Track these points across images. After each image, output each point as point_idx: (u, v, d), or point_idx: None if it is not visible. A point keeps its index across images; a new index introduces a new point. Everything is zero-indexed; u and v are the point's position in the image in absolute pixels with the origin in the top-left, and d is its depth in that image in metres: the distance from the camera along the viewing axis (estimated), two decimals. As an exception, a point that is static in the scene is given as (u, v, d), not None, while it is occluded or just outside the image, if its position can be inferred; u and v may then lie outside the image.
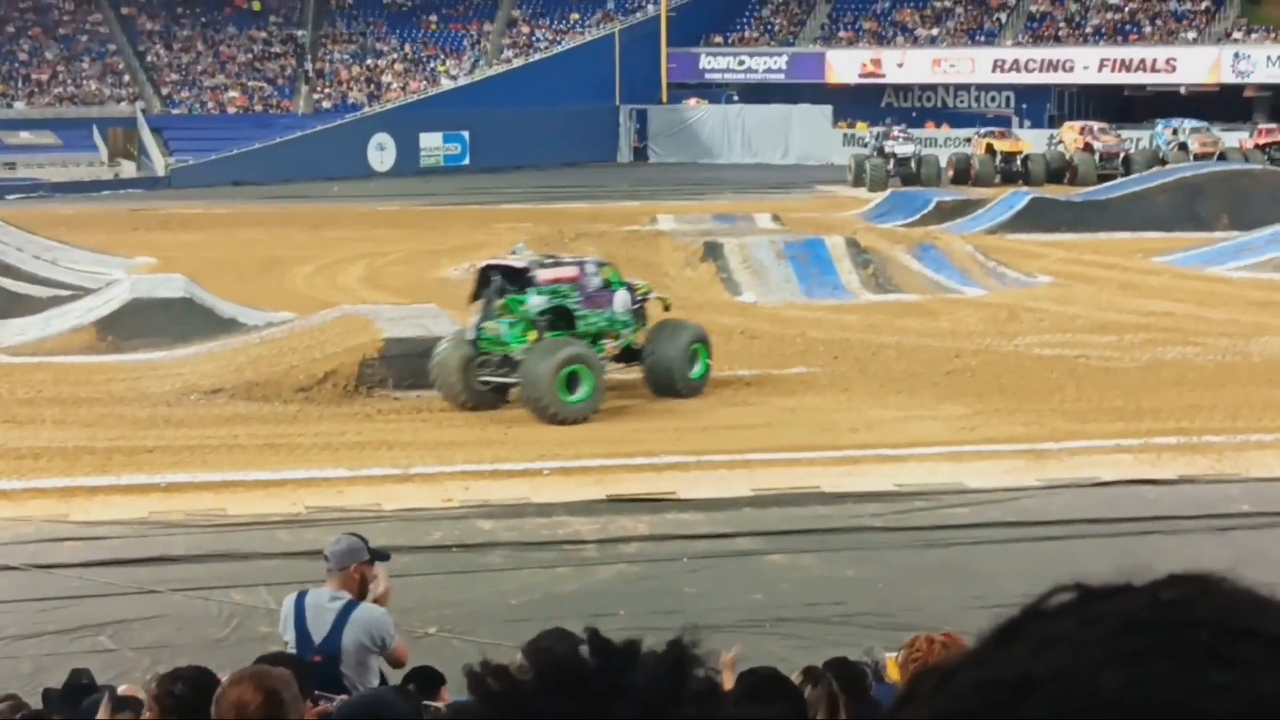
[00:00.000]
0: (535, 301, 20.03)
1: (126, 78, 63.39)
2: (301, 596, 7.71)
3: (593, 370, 19.49)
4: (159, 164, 57.65)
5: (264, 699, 4.38)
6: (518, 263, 21.01)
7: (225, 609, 13.01)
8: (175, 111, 62.45)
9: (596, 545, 14.74)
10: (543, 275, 20.33)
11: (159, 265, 32.24)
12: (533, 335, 19.79)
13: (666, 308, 21.65)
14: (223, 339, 23.46)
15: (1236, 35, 59.93)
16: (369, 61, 66.85)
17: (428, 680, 7.68)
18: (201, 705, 4.81)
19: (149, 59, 64.77)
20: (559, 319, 20.18)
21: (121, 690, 7.01)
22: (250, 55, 65.98)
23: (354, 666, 7.44)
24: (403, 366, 20.89)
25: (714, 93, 66.39)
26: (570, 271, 20.71)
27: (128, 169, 57.87)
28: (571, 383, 19.28)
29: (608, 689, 1.11)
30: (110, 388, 21.15)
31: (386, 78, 66.09)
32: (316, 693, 6.57)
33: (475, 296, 20.50)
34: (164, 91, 63.41)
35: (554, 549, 14.68)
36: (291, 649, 7.41)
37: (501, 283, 20.16)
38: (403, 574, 14.02)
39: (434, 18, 69.41)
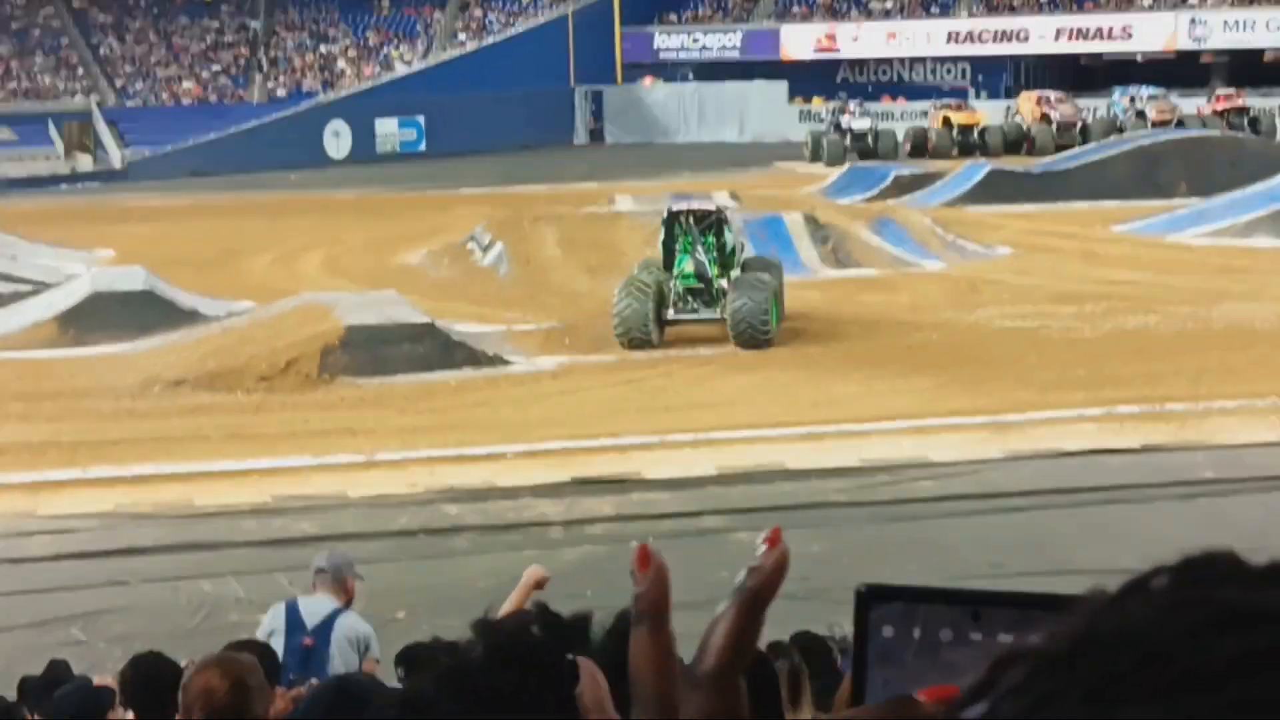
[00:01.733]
0: (737, 240, 23.61)
1: (80, 71, 62.94)
2: (293, 604, 7.96)
3: (780, 300, 22.43)
4: (115, 157, 57.29)
5: (230, 686, 4.39)
6: (707, 205, 24.54)
7: (195, 598, 13.01)
8: (130, 104, 62.02)
9: (562, 527, 14.77)
10: (733, 218, 24.46)
11: (119, 258, 32.06)
12: (735, 271, 22.62)
13: None
14: (184, 330, 23.39)
15: (1192, 0, 60.15)
16: (322, 48, 66.54)
17: (415, 656, 7.66)
18: (162, 692, 4.83)
19: (102, 52, 64.31)
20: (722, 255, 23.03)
21: (95, 682, 7.01)
22: (203, 45, 65.59)
23: (339, 665, 7.77)
24: (364, 353, 20.87)
25: (669, 71, 66.27)
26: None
27: (84, 163, 57.47)
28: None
29: (555, 663, 1.13)
30: (74, 382, 21.07)
31: (340, 64, 65.80)
32: (291, 676, 6.64)
33: (668, 240, 23.20)
34: (118, 84, 62.98)
35: (520, 531, 14.71)
36: (280, 652, 7.54)
37: (694, 224, 23.09)
38: (370, 560, 14.01)
39: (386, 2, 69.09)
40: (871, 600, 1.03)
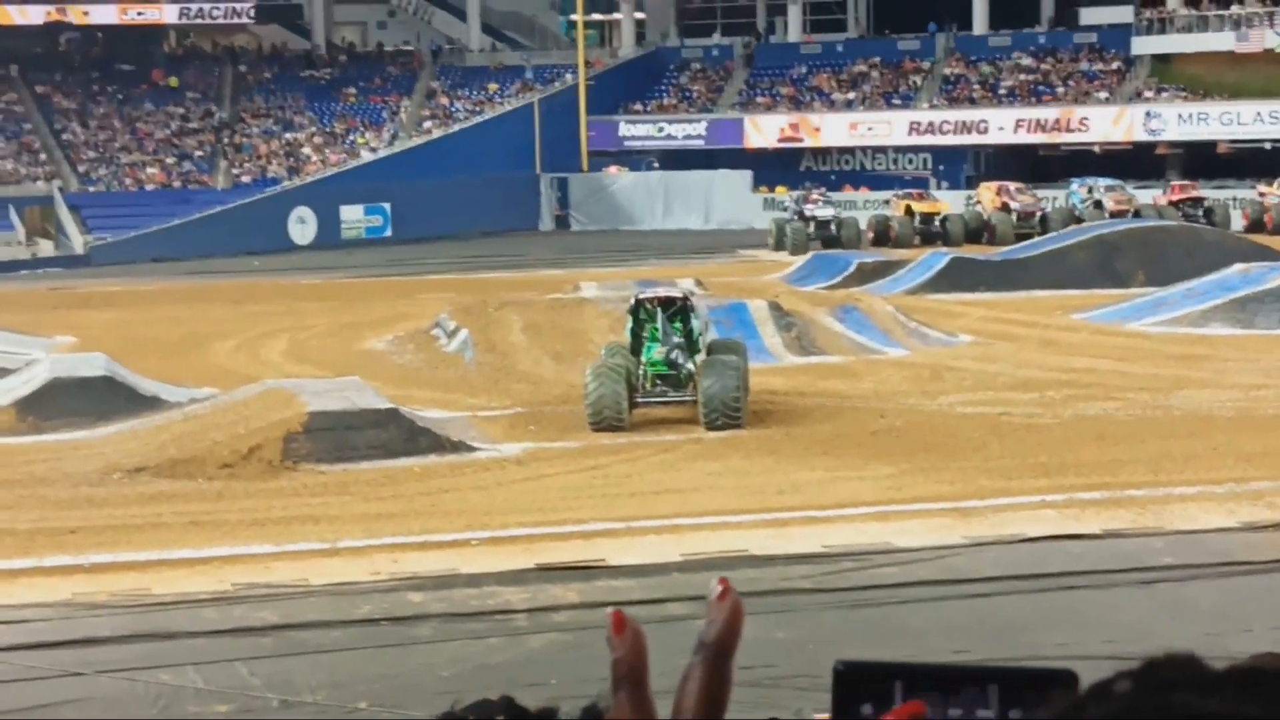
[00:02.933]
0: (703, 324, 24.27)
1: (43, 156, 62.95)
2: None
3: (745, 380, 22.69)
4: (77, 242, 57.16)
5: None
6: (672, 291, 25.33)
7: (152, 689, 12.85)
8: (93, 189, 62.00)
9: (527, 614, 14.68)
10: (697, 303, 25.19)
11: (79, 344, 31.93)
12: (700, 355, 23.10)
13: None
14: (145, 416, 23.26)
15: (1148, 94, 60.96)
16: (288, 135, 66.74)
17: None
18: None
19: (65, 136, 64.35)
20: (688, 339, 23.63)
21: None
22: (168, 131, 65.71)
23: None
24: (328, 440, 20.80)
25: (634, 160, 66.72)
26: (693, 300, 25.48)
27: (45, 248, 57.32)
28: None
29: None
30: (31, 469, 20.90)
31: (306, 151, 66.00)
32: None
33: (635, 326, 23.77)
34: (81, 169, 62.99)
35: (484, 619, 14.61)
36: None
37: (660, 311, 23.64)
38: (332, 649, 13.92)
39: (352, 90, 69.44)
40: (849, 677, 1.02)
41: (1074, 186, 53.94)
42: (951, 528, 17.24)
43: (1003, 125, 61.55)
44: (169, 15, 67.86)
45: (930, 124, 62.87)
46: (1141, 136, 59.03)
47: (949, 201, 54.57)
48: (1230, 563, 15.78)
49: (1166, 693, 0.75)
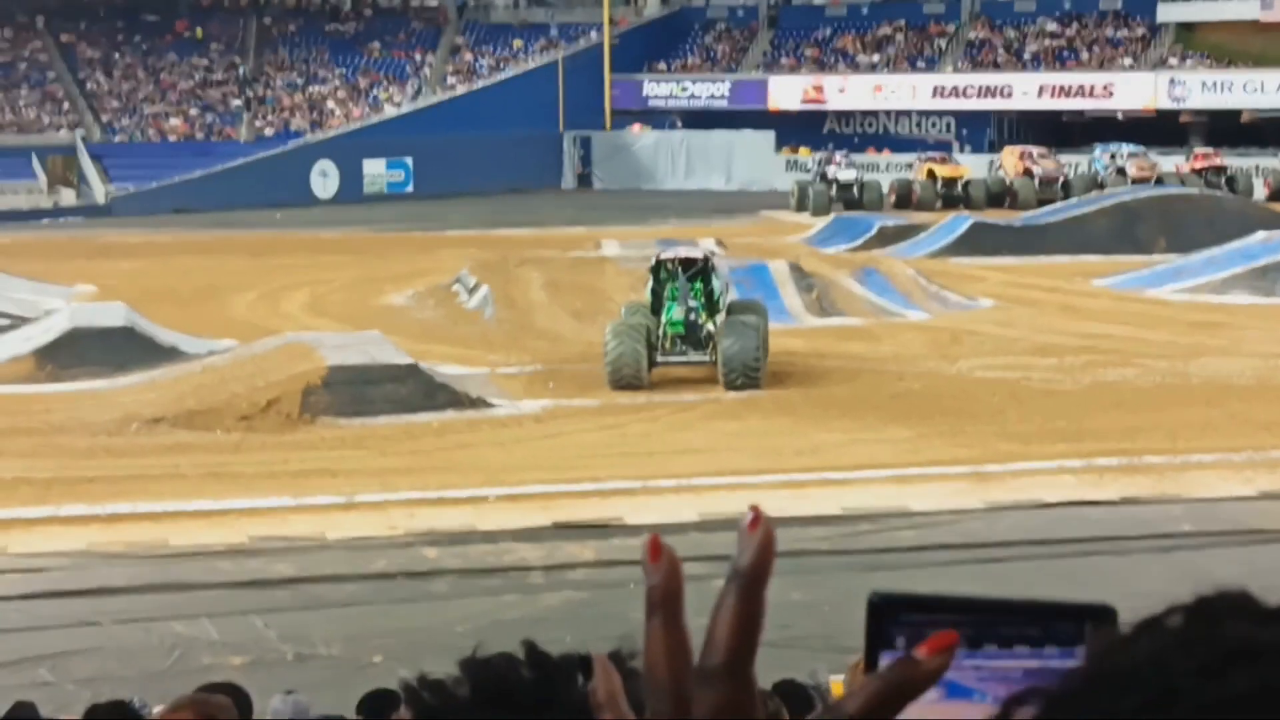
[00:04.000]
0: (723, 285, 23.90)
1: (66, 105, 62.95)
2: None
3: (765, 341, 22.64)
4: (99, 192, 57.22)
5: (205, 728, 4.32)
6: (694, 252, 24.99)
7: (167, 640, 12.90)
8: (116, 139, 62.02)
9: (543, 572, 14.70)
10: (718, 263, 25.01)
11: (99, 294, 31.98)
12: (721, 315, 22.93)
13: None
14: (164, 368, 23.29)
15: (1172, 61, 60.56)
16: (311, 89, 66.65)
17: (380, 703, 7.58)
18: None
19: (89, 86, 64.35)
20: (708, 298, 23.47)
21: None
22: (192, 82, 65.66)
23: None
24: (346, 394, 20.81)
25: (657, 119, 66.50)
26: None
27: (67, 197, 57.39)
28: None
29: (543, 701, 1.11)
30: (49, 417, 20.95)
31: (329, 105, 65.91)
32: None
33: (656, 286, 23.50)
34: (104, 119, 62.99)
35: (500, 576, 14.64)
36: None
37: (681, 271, 23.45)
38: (348, 603, 13.96)
39: (376, 45, 69.29)
40: (884, 610, 0.99)
41: (1097, 153, 53.68)
42: (969, 492, 17.22)
43: (1026, 90, 61.22)
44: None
45: (954, 88, 62.55)
46: (1165, 104, 58.67)
47: (971, 166, 54.34)
48: (1247, 531, 15.75)
49: (1220, 624, 0.73)
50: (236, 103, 64.64)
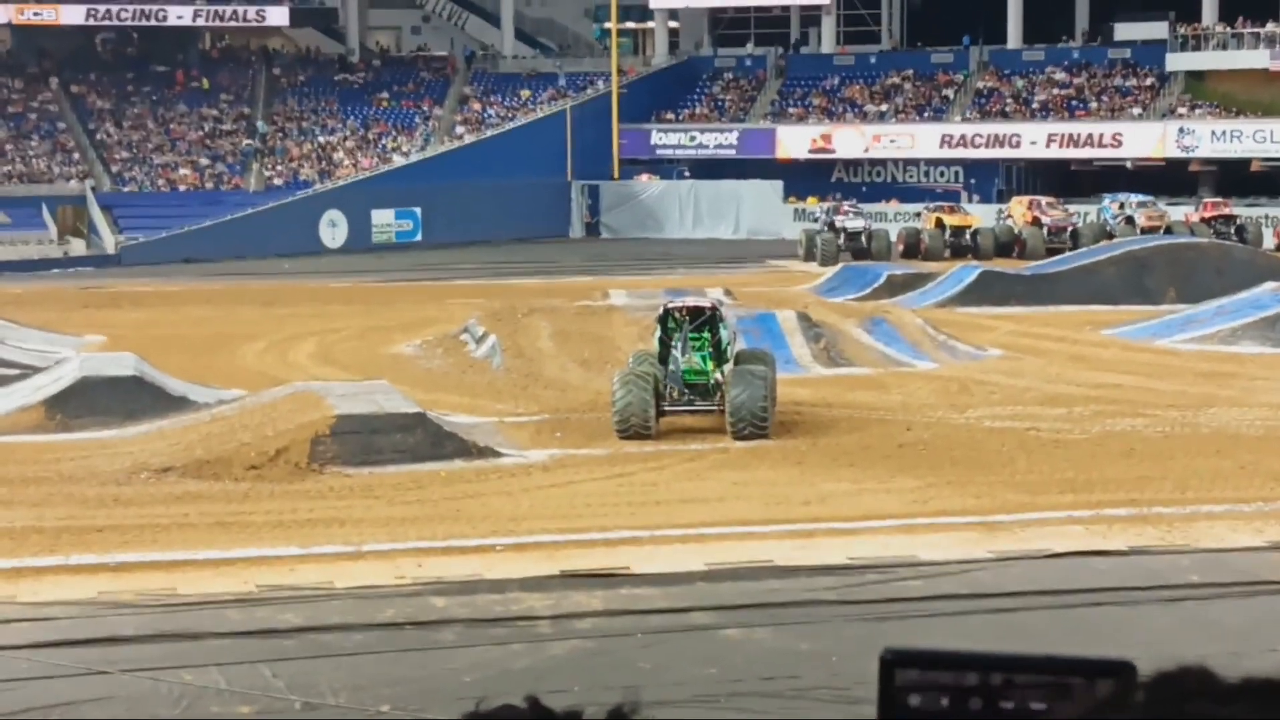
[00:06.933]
0: (731, 334, 24.31)
1: (76, 155, 63.25)
2: None
3: (773, 391, 22.58)
4: (109, 242, 57.42)
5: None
6: (701, 301, 25.14)
7: (175, 689, 12.87)
8: (125, 189, 62.27)
9: (550, 621, 14.67)
10: (726, 313, 25.37)
11: (109, 343, 32.05)
12: (729, 365, 23.07)
13: None
14: (173, 417, 23.32)
15: (1181, 111, 60.74)
16: (320, 138, 66.95)
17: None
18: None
19: (99, 136, 64.65)
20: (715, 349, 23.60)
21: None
22: (201, 133, 65.98)
23: None
24: (354, 443, 20.82)
25: (665, 168, 66.73)
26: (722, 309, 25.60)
27: (77, 247, 57.59)
28: None
29: None
30: (59, 467, 20.97)
31: (338, 155, 66.19)
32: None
33: (664, 336, 23.68)
34: (114, 169, 63.27)
35: (507, 625, 14.61)
36: None
37: (686, 321, 23.60)
38: (356, 652, 13.94)
39: (385, 95, 69.63)
40: (896, 666, 0.99)
41: (1106, 202, 53.77)
42: (977, 542, 17.18)
43: (1035, 139, 61.39)
44: (199, 17, 68.05)
45: (962, 137, 62.76)
46: (1174, 153, 58.79)
47: (980, 215, 54.45)
48: (1256, 582, 15.69)
49: (1183, 703, 0.75)
50: (246, 150, 64.93)
